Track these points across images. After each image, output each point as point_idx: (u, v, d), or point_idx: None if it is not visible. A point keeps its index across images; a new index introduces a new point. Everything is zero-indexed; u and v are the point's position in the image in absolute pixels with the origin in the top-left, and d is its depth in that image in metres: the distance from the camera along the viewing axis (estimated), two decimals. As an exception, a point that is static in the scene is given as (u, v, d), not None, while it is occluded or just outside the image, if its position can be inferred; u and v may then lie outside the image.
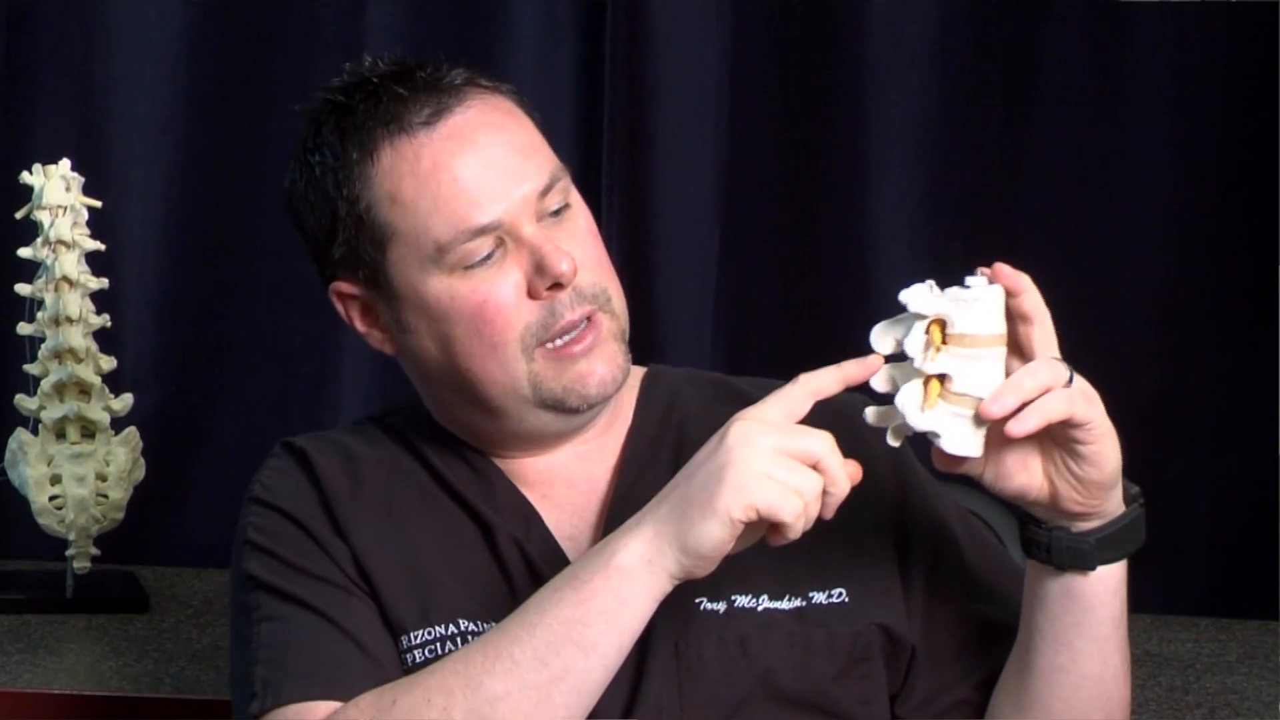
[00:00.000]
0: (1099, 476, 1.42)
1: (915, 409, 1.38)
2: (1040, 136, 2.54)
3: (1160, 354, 2.52)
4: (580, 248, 1.53)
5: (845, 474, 1.38)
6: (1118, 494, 1.45)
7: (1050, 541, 1.46)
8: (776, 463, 1.36)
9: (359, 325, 1.59)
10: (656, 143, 2.52)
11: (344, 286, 1.58)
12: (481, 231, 1.51)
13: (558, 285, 1.51)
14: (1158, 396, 2.51)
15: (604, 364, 1.53)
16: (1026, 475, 1.44)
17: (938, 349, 1.37)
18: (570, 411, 1.54)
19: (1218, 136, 2.52)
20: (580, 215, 1.55)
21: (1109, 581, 1.48)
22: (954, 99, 2.54)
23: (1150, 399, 2.50)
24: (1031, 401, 1.38)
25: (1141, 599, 2.43)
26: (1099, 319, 2.48)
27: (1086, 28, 2.53)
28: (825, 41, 2.55)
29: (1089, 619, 1.48)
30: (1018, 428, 1.37)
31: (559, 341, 1.52)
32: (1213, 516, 2.53)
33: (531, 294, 1.51)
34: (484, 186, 1.51)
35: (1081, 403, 1.39)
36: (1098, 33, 2.52)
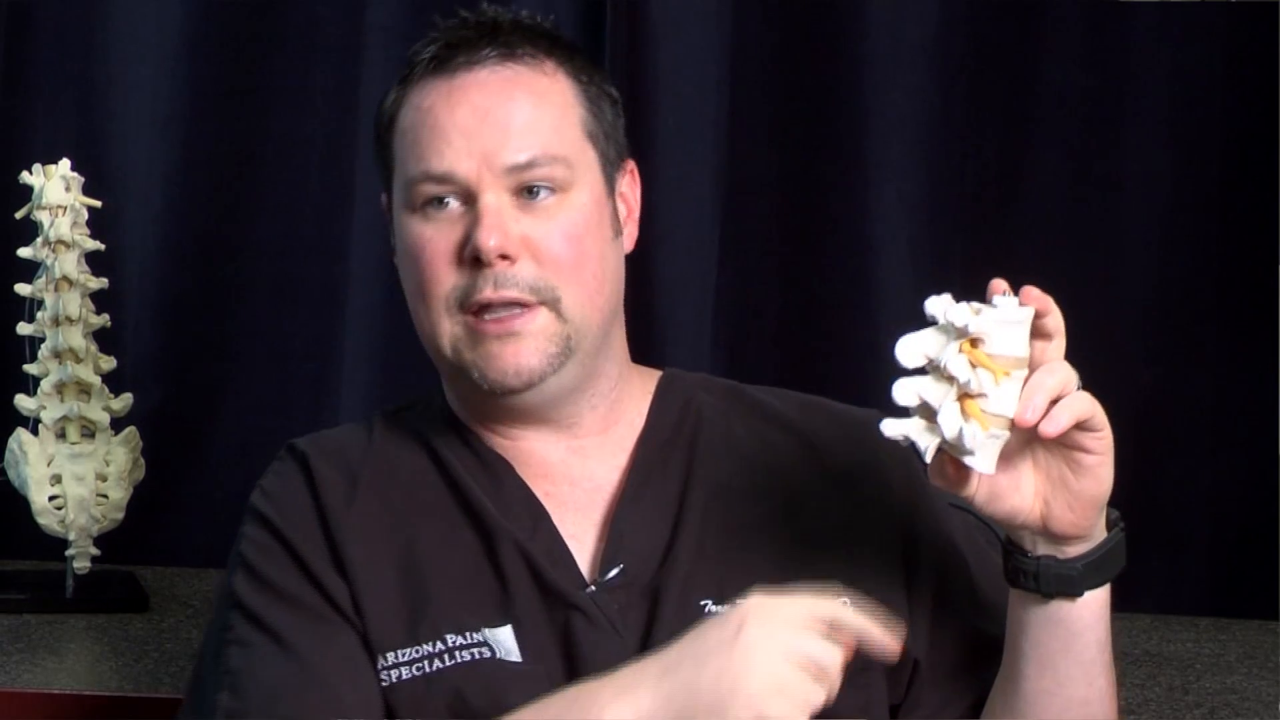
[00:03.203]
0: (1096, 492, 1.43)
1: (973, 429, 1.37)
2: (1040, 136, 2.54)
3: (1159, 354, 2.52)
4: (543, 238, 1.52)
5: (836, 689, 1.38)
6: (1103, 516, 1.46)
7: (1038, 570, 1.45)
8: (790, 673, 1.35)
9: (392, 239, 1.61)
10: (656, 143, 2.52)
11: (385, 199, 1.61)
12: (436, 179, 1.52)
13: (479, 260, 1.51)
14: (1157, 396, 2.51)
15: (517, 356, 1.52)
16: (1019, 497, 1.43)
17: (989, 371, 1.37)
18: (476, 387, 1.54)
19: (1218, 136, 2.52)
20: (565, 211, 1.53)
21: (1094, 606, 1.48)
22: (954, 99, 2.54)
23: (1149, 399, 2.50)
24: (1056, 401, 1.38)
25: (1141, 599, 2.46)
26: (1098, 318, 2.47)
27: (1086, 28, 2.53)
28: (825, 41, 2.55)
29: (1075, 643, 1.48)
30: (1051, 427, 1.37)
31: (479, 315, 1.52)
32: (1213, 516, 2.53)
33: (460, 260, 1.52)
34: (458, 139, 1.52)
35: (1099, 407, 1.40)
36: (1098, 33, 2.52)
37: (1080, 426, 1.40)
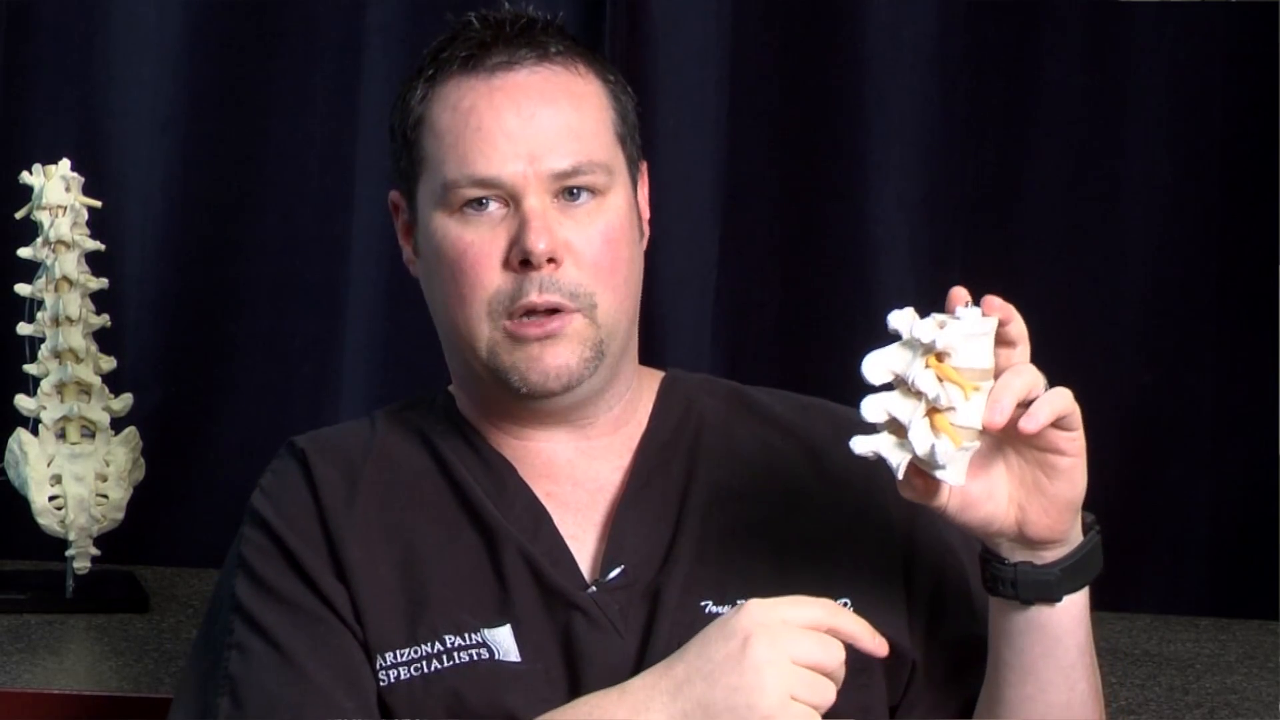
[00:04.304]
0: (1071, 494, 1.42)
1: (945, 445, 1.37)
2: (1040, 136, 2.54)
3: (1160, 354, 2.52)
4: (584, 243, 1.53)
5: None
6: (1079, 520, 1.45)
7: (1016, 576, 1.46)
8: (800, 681, 1.37)
9: (400, 239, 1.62)
10: (656, 142, 2.52)
11: (395, 196, 1.61)
12: (480, 183, 1.52)
13: (527, 263, 1.51)
14: (1157, 396, 2.51)
15: (556, 358, 1.53)
16: (992, 504, 1.43)
17: (957, 385, 1.37)
18: (513, 391, 1.54)
19: (1218, 136, 2.52)
20: (604, 216, 1.54)
21: (1073, 610, 1.47)
22: (954, 99, 2.54)
23: (1150, 399, 2.49)
24: (1026, 403, 1.38)
25: (1141, 599, 2.46)
26: (1098, 318, 2.48)
27: (1086, 28, 2.53)
28: (825, 41, 2.55)
29: (1055, 649, 1.48)
30: (1030, 424, 1.37)
31: (521, 319, 1.52)
32: (1213, 516, 2.52)
33: (507, 264, 1.52)
34: (503, 144, 1.52)
35: (1076, 406, 1.40)
36: (1098, 33, 2.52)
37: (1056, 425, 1.39)
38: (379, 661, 1.50)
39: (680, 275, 2.55)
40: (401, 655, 1.50)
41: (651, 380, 1.64)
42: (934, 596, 1.57)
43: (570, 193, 1.53)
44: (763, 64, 2.56)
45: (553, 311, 1.52)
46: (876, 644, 1.42)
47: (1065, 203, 2.53)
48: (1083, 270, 2.50)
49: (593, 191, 1.54)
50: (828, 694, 1.38)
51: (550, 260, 1.51)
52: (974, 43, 2.54)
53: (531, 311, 1.52)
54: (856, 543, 1.56)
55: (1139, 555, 2.47)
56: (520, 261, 1.51)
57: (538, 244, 1.50)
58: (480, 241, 1.52)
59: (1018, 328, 1.41)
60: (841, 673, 1.39)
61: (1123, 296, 2.52)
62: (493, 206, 1.52)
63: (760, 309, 2.57)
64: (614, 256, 1.54)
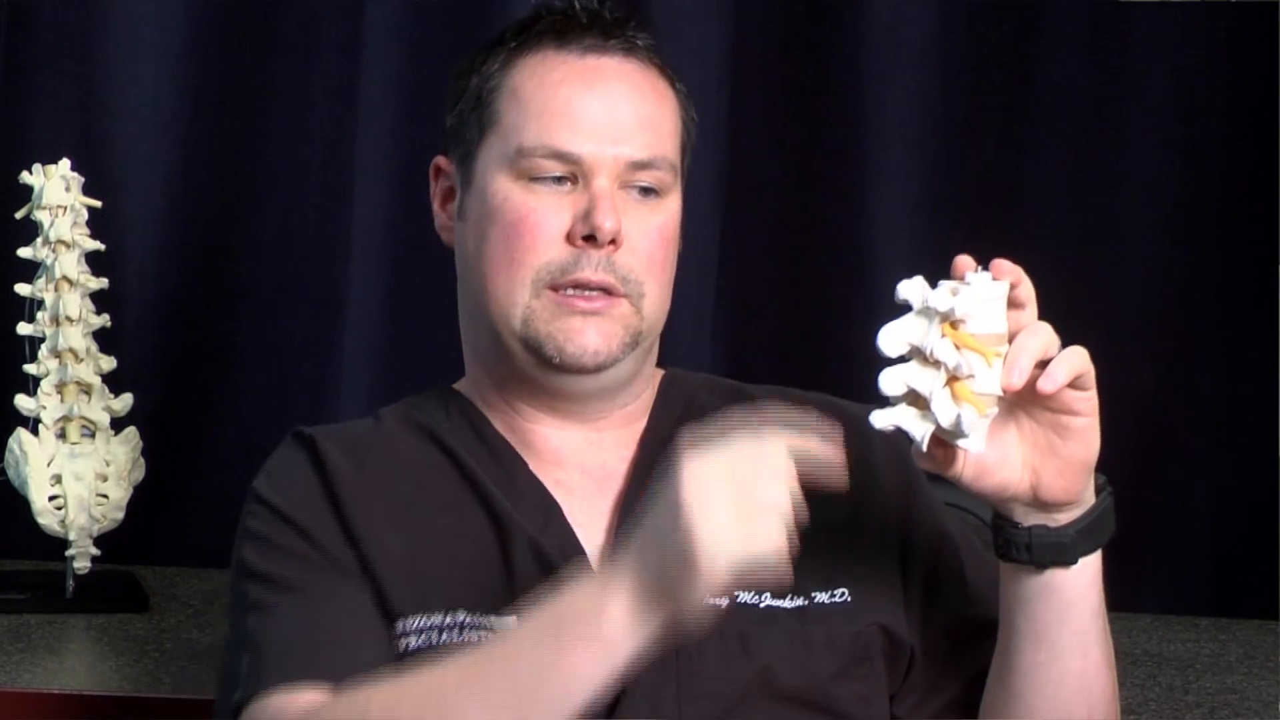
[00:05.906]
0: (1085, 455, 1.42)
1: (969, 413, 1.36)
2: (1040, 136, 2.54)
3: (1160, 353, 2.52)
4: (642, 236, 1.55)
5: (800, 500, 1.33)
6: (1092, 481, 1.45)
7: (1030, 540, 1.45)
8: (741, 529, 1.31)
9: (435, 204, 1.63)
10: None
11: (443, 161, 1.62)
12: (558, 155, 1.54)
13: (592, 239, 1.52)
14: (1157, 396, 2.51)
15: (597, 335, 1.54)
16: (1007, 469, 1.43)
17: (977, 352, 1.36)
18: (545, 362, 1.54)
19: (1218, 136, 2.52)
20: (662, 213, 1.57)
21: (1087, 573, 1.47)
22: (954, 99, 2.54)
23: (1150, 398, 2.50)
24: (1042, 363, 1.38)
25: (1141, 599, 2.46)
26: (1098, 318, 2.47)
27: (1086, 28, 2.53)
28: (825, 41, 2.55)
29: (1069, 613, 1.48)
30: (1048, 384, 1.37)
31: (568, 291, 1.53)
32: (1213, 516, 2.53)
33: (569, 238, 1.53)
34: (588, 123, 1.54)
35: (1090, 365, 1.40)
36: (1098, 33, 2.53)
37: (1072, 385, 1.39)
38: (391, 630, 1.50)
39: (680, 275, 2.54)
40: (413, 623, 1.50)
41: (654, 378, 1.65)
42: (929, 583, 1.58)
43: (635, 186, 1.55)
44: (763, 64, 2.56)
45: (602, 292, 1.54)
46: (834, 467, 1.35)
47: (1065, 202, 2.53)
48: (1083, 270, 2.50)
49: (656, 191, 1.56)
50: (777, 525, 1.31)
51: (611, 241, 1.53)
52: (974, 42, 2.54)
53: (582, 287, 1.53)
54: (853, 533, 1.56)
55: (1139, 555, 2.47)
56: (584, 236, 1.53)
57: (605, 222, 1.52)
58: (543, 209, 1.54)
59: (1026, 289, 1.41)
60: (788, 507, 1.32)
61: (1123, 296, 2.53)
62: (563, 183, 1.53)
63: (760, 309, 2.57)
64: (665, 254, 1.57)
